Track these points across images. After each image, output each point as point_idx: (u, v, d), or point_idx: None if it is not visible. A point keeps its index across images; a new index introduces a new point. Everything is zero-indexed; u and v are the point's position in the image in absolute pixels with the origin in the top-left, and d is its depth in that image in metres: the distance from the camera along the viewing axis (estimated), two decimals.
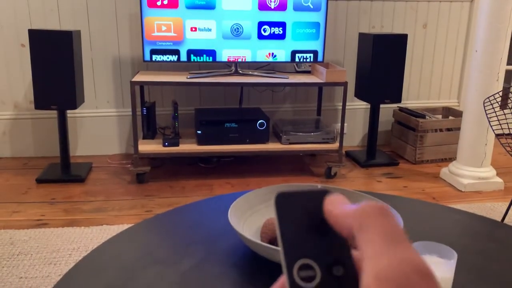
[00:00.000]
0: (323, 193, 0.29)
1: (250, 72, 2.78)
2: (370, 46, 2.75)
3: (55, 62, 2.42)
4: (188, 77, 2.65)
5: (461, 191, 2.60)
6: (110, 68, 2.99)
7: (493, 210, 2.36)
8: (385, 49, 2.76)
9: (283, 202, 0.29)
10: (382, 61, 2.77)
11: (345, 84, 2.65)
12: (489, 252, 0.88)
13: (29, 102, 2.94)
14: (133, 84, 2.51)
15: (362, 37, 2.88)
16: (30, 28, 2.79)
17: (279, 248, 0.27)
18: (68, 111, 2.75)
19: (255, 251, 0.83)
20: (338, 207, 0.28)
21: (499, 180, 2.63)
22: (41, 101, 2.46)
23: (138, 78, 2.63)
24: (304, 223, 0.28)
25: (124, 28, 2.93)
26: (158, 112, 2.97)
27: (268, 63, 2.91)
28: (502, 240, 0.93)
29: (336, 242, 0.27)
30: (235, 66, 2.74)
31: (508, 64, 2.64)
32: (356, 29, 3.18)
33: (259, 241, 0.79)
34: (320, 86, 3.05)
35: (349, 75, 3.16)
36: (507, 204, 2.37)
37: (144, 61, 2.63)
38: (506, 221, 2.14)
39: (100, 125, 3.06)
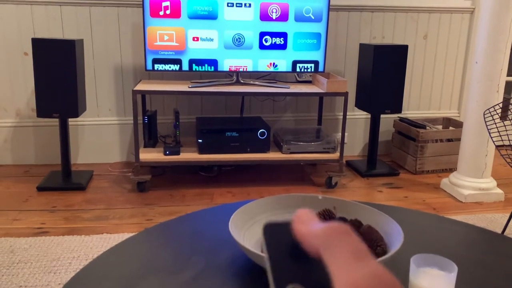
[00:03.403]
0: None
1: (252, 82, 2.80)
2: (371, 57, 2.77)
3: (57, 71, 2.43)
4: (190, 86, 2.67)
5: (461, 202, 2.60)
6: (112, 77, 3.01)
7: (494, 221, 2.36)
8: (386, 59, 2.77)
9: (270, 231, 0.31)
10: (383, 72, 2.78)
11: (345, 94, 2.66)
12: (490, 264, 0.88)
13: (31, 109, 2.95)
14: (135, 93, 2.53)
15: (363, 47, 2.90)
16: (33, 36, 2.81)
17: (268, 275, 0.29)
18: (70, 119, 2.76)
19: (256, 262, 0.83)
20: (306, 227, 0.29)
21: (499, 191, 2.63)
22: (43, 109, 2.47)
23: (140, 87, 2.64)
24: (291, 249, 0.30)
25: (127, 37, 2.95)
26: (159, 121, 2.98)
27: (269, 72, 2.92)
28: (503, 253, 0.93)
29: (321, 265, 0.29)
30: (237, 76, 2.75)
31: (508, 75, 2.66)
32: (357, 40, 3.20)
33: (259, 252, 0.80)
34: (321, 96, 3.06)
35: (350, 85, 3.17)
36: (508, 215, 2.37)
37: (146, 70, 2.64)
38: (506, 232, 2.14)
39: (101, 133, 3.07)
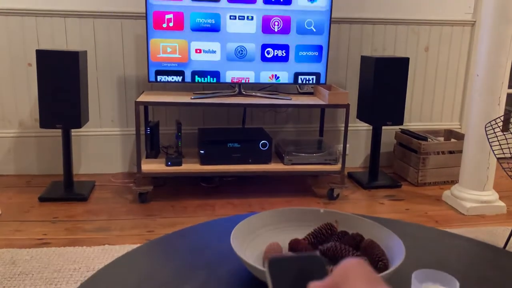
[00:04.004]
0: (311, 258, 0.34)
1: (254, 93, 2.81)
2: (372, 69, 2.78)
3: (61, 82, 2.45)
4: (192, 97, 2.68)
5: (463, 214, 2.59)
6: (115, 88, 3.02)
7: (496, 234, 2.35)
8: (387, 71, 2.78)
9: (275, 266, 0.33)
10: (384, 84, 2.79)
11: (347, 106, 2.67)
12: (492, 280, 0.88)
13: (34, 120, 2.97)
14: (137, 104, 2.54)
15: (364, 60, 2.91)
16: (37, 48, 2.84)
17: None
18: (73, 130, 2.78)
19: (257, 276, 0.83)
20: (320, 283, 0.33)
21: (501, 204, 2.63)
22: (46, 120, 2.49)
23: (143, 98, 2.65)
24: (295, 284, 0.32)
25: (130, 49, 2.98)
26: (161, 132, 2.99)
27: (271, 84, 2.94)
28: (505, 268, 0.93)
29: None
30: (239, 87, 2.77)
31: (510, 87, 2.66)
32: (359, 52, 3.22)
33: (261, 267, 0.80)
34: (322, 108, 3.07)
35: (351, 97, 3.18)
36: (510, 228, 2.36)
37: (149, 81, 2.66)
38: (508, 246, 2.13)
39: (104, 144, 3.08)
